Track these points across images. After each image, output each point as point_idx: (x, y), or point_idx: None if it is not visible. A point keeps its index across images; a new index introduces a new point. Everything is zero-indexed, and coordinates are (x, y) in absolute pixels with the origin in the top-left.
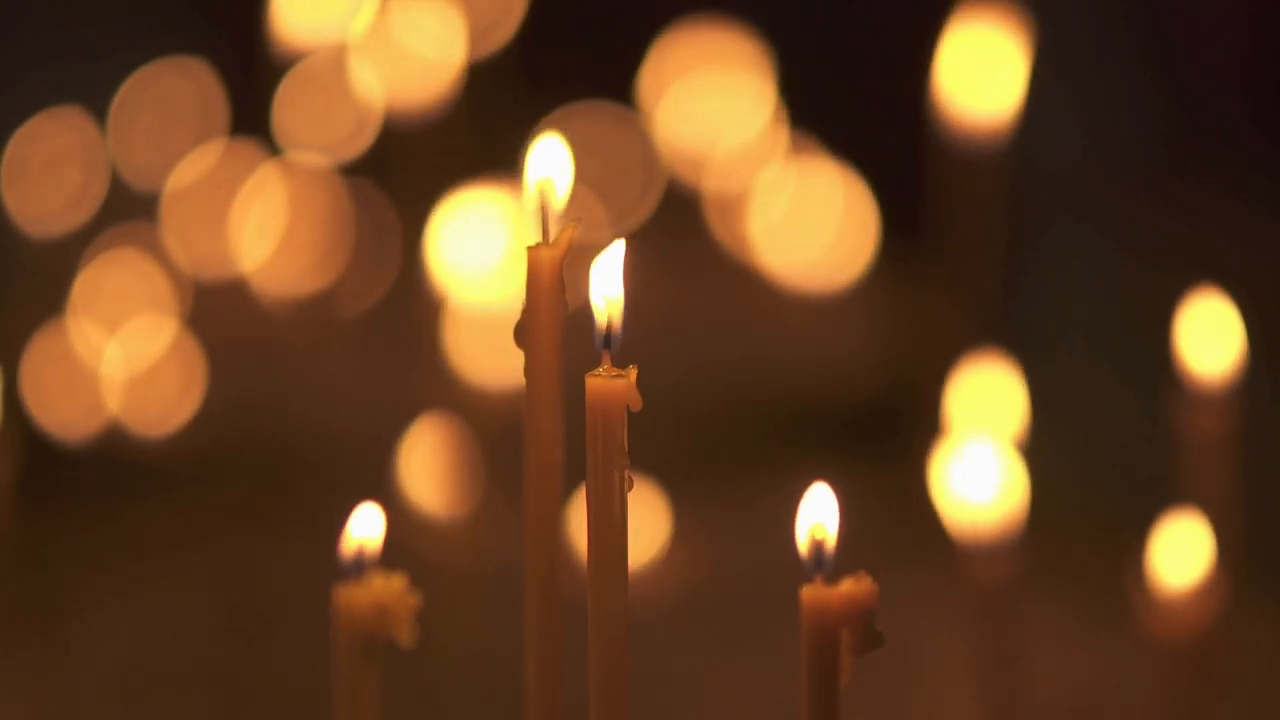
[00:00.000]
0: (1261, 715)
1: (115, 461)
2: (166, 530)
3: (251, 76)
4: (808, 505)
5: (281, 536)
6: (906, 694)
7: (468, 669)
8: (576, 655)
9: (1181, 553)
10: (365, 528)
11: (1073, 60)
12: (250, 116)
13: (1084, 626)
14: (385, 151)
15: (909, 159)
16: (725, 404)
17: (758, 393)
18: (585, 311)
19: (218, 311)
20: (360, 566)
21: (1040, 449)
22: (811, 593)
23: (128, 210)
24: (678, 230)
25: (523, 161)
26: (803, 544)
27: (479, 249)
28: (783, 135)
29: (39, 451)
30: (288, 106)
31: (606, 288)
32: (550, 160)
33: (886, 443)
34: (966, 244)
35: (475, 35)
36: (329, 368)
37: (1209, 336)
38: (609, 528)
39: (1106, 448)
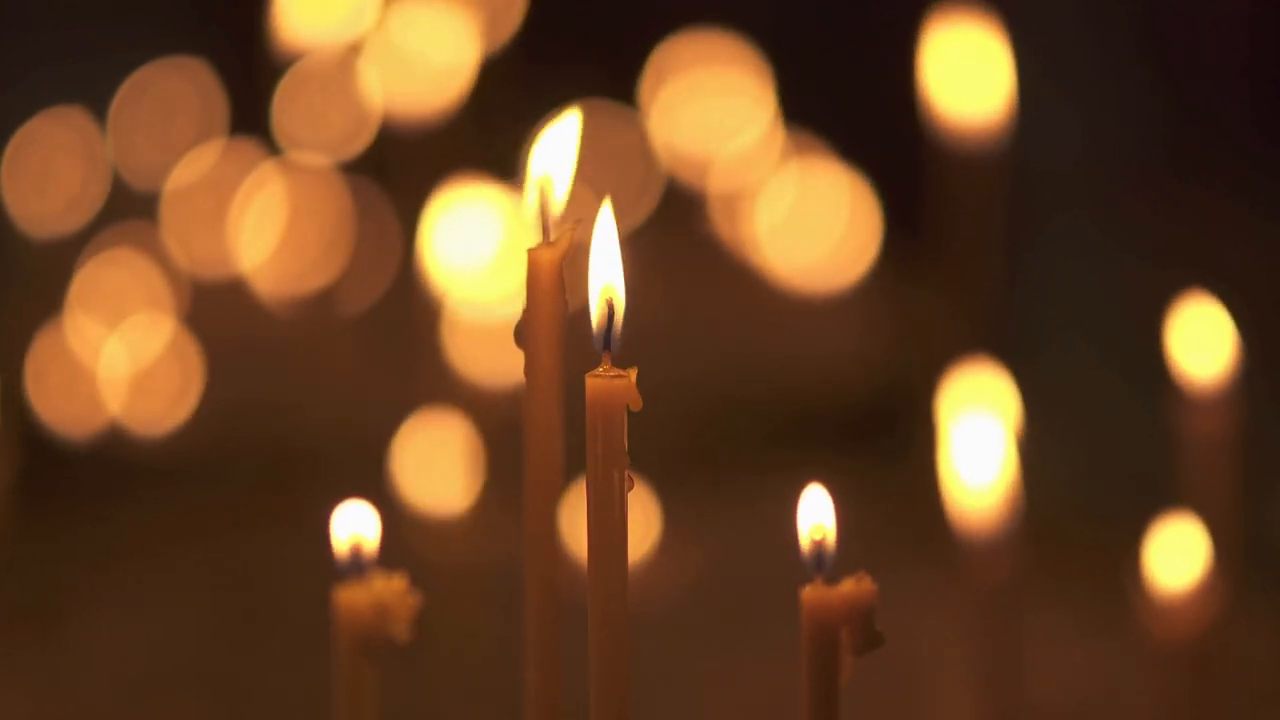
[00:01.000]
0: (1260, 716)
1: (115, 461)
2: (166, 530)
3: (251, 76)
4: (805, 507)
5: (281, 536)
6: (906, 694)
7: (468, 669)
8: (576, 655)
9: (1180, 554)
10: (353, 526)
11: (1072, 60)
12: (250, 116)
13: (1083, 627)
14: (384, 150)
15: (909, 159)
16: (725, 403)
17: (757, 392)
18: (585, 312)
19: (217, 311)
20: (360, 566)
21: (1039, 449)
22: (812, 593)
23: (127, 210)
24: (678, 230)
25: (523, 160)
26: (803, 544)
27: (479, 247)
28: (783, 136)
29: (38, 451)
30: (288, 106)
31: (606, 265)
32: (557, 149)
33: (886, 442)
34: (966, 244)
35: (476, 35)
36: (328, 367)
37: (1207, 337)
38: (609, 527)
39: (1105, 448)
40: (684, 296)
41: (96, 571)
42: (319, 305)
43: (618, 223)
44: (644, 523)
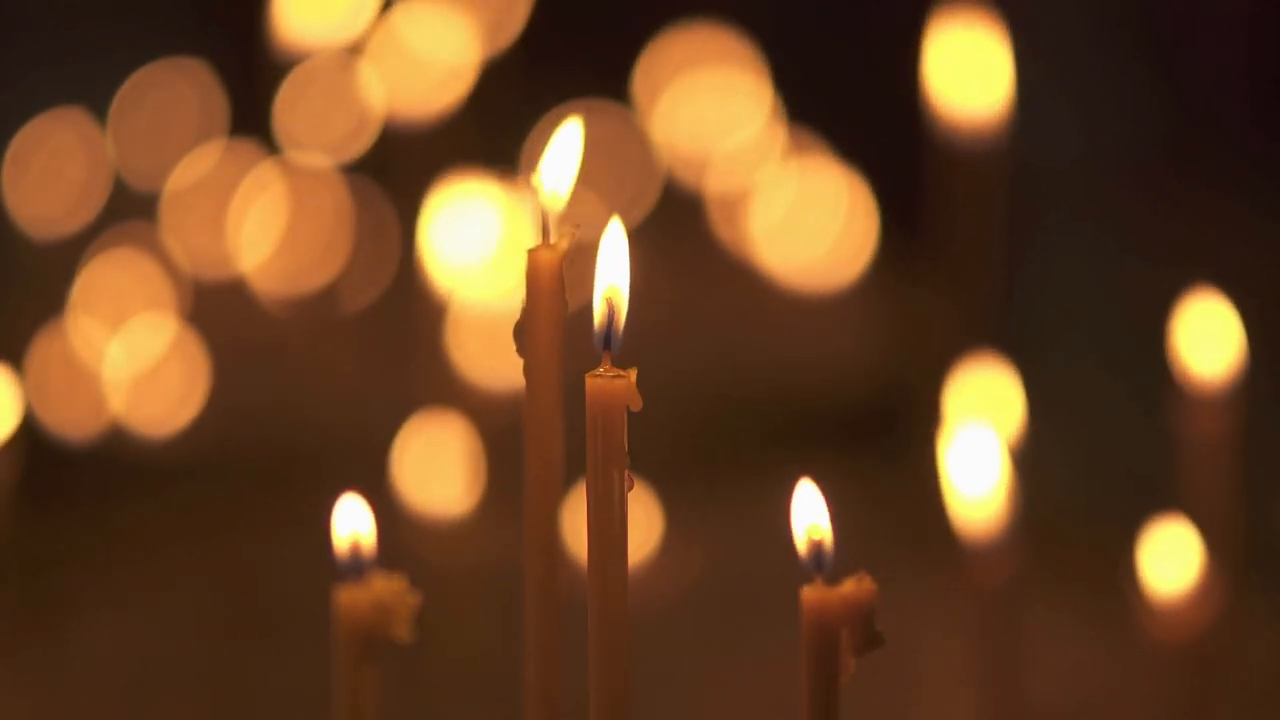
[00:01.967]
0: (1260, 716)
1: (116, 462)
2: (167, 530)
3: (251, 77)
4: (798, 506)
5: (282, 536)
6: (906, 694)
7: (468, 669)
8: (576, 655)
9: (1180, 554)
10: (352, 522)
11: (1072, 59)
12: (250, 116)
13: (1083, 627)
14: (385, 150)
15: (908, 158)
16: (724, 403)
17: (757, 392)
18: (585, 312)
19: (218, 311)
20: (360, 566)
21: (1038, 448)
22: (812, 593)
23: (128, 210)
24: (676, 230)
25: (522, 160)
26: (801, 545)
27: (478, 247)
28: (781, 134)
29: (40, 452)
30: (288, 107)
31: (611, 271)
32: (561, 158)
33: (885, 442)
34: (965, 243)
35: (476, 34)
36: (329, 368)
37: (1208, 337)
38: (609, 527)
39: (1105, 448)
40: (683, 296)
41: (97, 572)
42: (319, 305)
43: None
44: (644, 523)
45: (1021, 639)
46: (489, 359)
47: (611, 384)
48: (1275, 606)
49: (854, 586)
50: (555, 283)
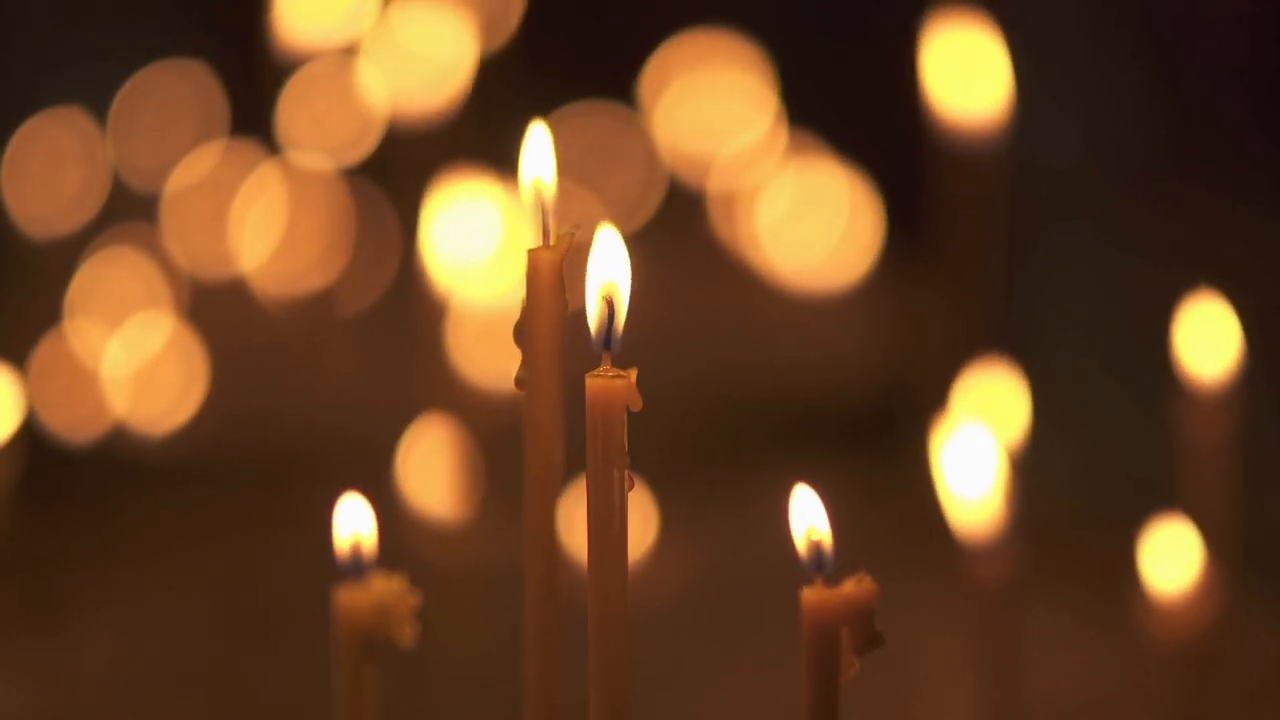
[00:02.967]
0: (1259, 716)
1: (116, 461)
2: (167, 530)
3: (251, 77)
4: (795, 509)
5: (282, 536)
6: (906, 694)
7: (468, 669)
8: (576, 655)
9: (1180, 554)
10: (354, 523)
11: (1072, 60)
12: (250, 117)
13: (1083, 627)
14: (385, 151)
15: (909, 159)
16: (725, 403)
17: (757, 392)
18: (585, 312)
19: (218, 312)
20: (361, 567)
21: (1039, 449)
22: (812, 593)
23: (128, 211)
24: (679, 230)
25: (520, 160)
26: (800, 546)
27: (479, 248)
28: (783, 135)
29: (40, 452)
30: (288, 107)
31: (607, 271)
32: (538, 155)
33: (886, 443)
34: (966, 244)
35: (477, 36)
36: (329, 368)
37: (1209, 338)
38: (609, 527)
39: (1105, 448)
40: (685, 296)
41: (97, 571)
42: (319, 306)
43: (617, 223)
44: (644, 523)
45: (1021, 639)
46: (489, 359)
47: (611, 384)
48: (1275, 607)
49: (854, 586)
50: (555, 284)
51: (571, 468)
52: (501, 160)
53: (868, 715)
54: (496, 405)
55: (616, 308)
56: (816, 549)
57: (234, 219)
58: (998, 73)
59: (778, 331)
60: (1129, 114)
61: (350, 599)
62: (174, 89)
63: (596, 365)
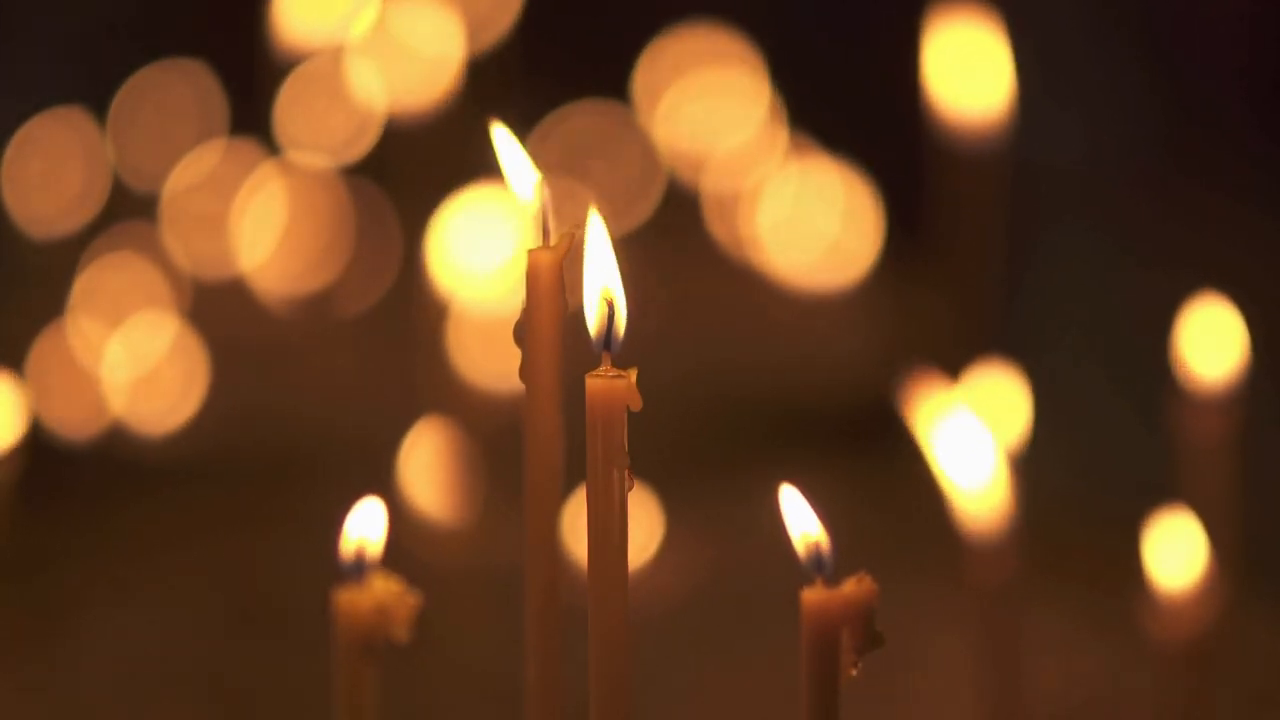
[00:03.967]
0: (1260, 716)
1: (116, 461)
2: (167, 530)
3: (251, 77)
4: (788, 512)
5: (282, 536)
6: (906, 694)
7: (468, 669)
8: (576, 656)
9: (1181, 554)
10: (365, 526)
11: (1072, 60)
12: (249, 117)
13: (1084, 627)
14: (384, 150)
15: (909, 158)
16: (725, 403)
17: (757, 392)
18: (585, 312)
19: (218, 311)
20: (361, 568)
21: (1040, 448)
22: (812, 594)
23: (128, 210)
24: (677, 230)
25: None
26: (799, 548)
27: (479, 248)
28: (782, 135)
29: (40, 451)
30: (289, 109)
31: (603, 272)
32: (511, 162)
33: (886, 443)
34: (966, 243)
35: (473, 34)
36: (329, 368)
37: (1210, 338)
38: (609, 528)
39: (1105, 447)
40: (684, 296)
41: (97, 571)
42: (319, 306)
43: (616, 222)
44: (644, 523)
45: (1021, 639)
46: (489, 359)
47: (611, 384)
48: (1275, 607)
49: (854, 587)
50: (555, 284)
51: (572, 468)
52: (496, 162)
53: (868, 715)
54: (497, 406)
55: (616, 308)
56: (815, 550)
57: (234, 218)
58: (998, 72)
59: (777, 331)
60: (1129, 114)
61: (350, 599)
62: (174, 88)
63: (596, 365)
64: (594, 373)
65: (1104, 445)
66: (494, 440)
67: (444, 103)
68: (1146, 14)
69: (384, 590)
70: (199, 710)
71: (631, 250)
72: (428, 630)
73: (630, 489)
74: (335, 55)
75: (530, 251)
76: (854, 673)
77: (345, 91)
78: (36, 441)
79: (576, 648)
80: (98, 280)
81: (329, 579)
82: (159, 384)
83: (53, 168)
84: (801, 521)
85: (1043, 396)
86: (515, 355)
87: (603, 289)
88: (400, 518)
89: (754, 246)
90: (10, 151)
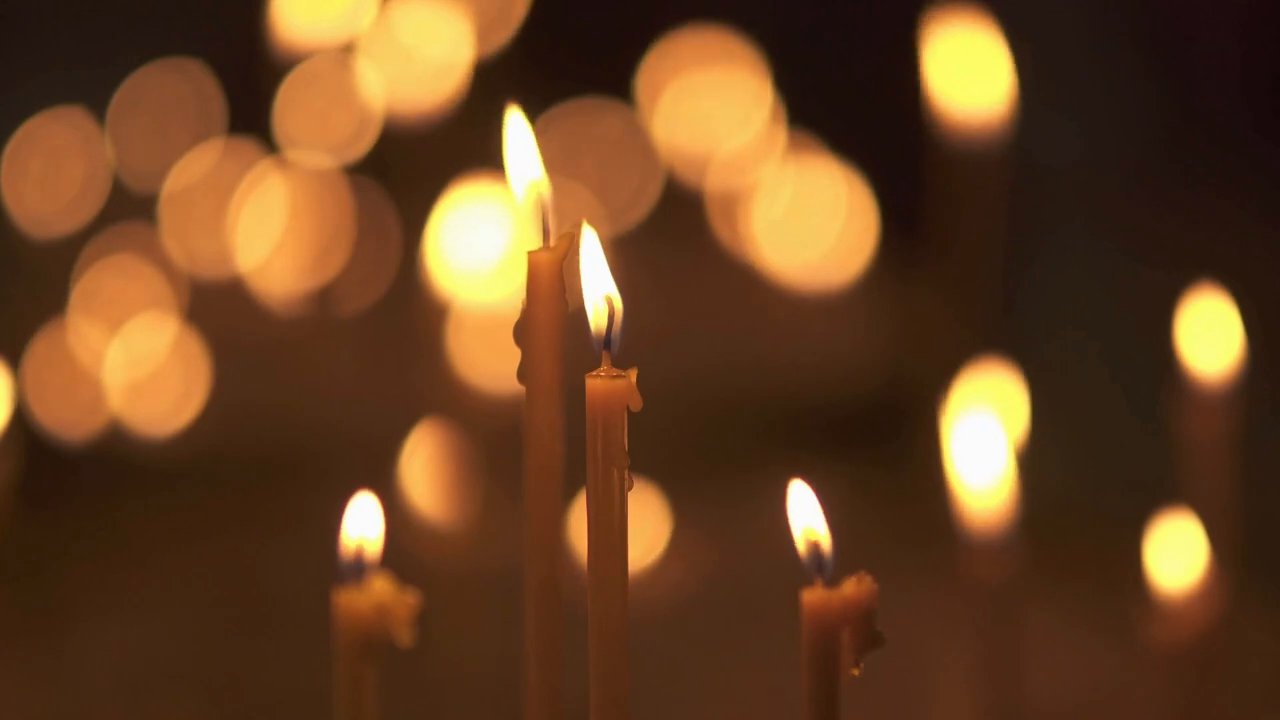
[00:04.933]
0: (1260, 716)
1: (115, 462)
2: (167, 531)
3: (250, 76)
4: (793, 507)
5: (282, 537)
6: (906, 694)
7: (468, 670)
8: (577, 657)
9: (1180, 553)
10: (363, 523)
11: (1072, 60)
12: (249, 116)
13: (1084, 627)
14: (385, 150)
15: (908, 158)
16: (724, 403)
17: (757, 392)
18: (585, 313)
19: (218, 311)
20: (360, 568)
21: (1039, 448)
22: (812, 594)
23: (127, 210)
24: (677, 229)
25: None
26: (799, 547)
27: (479, 248)
28: (781, 134)
29: (39, 452)
30: (289, 108)
31: (598, 283)
32: (523, 149)
33: (886, 442)
34: (966, 243)
35: (475, 33)
36: (329, 368)
37: (1209, 337)
38: (609, 528)
39: (1105, 446)
40: (684, 296)
41: (97, 572)
42: (319, 305)
43: (616, 222)
44: (644, 523)
45: (1022, 638)
46: (489, 360)
47: (611, 384)
48: (1276, 606)
49: (854, 587)
50: (555, 285)
51: (572, 468)
52: (500, 157)
53: (868, 715)
54: (497, 406)
55: (615, 308)
56: (815, 549)
57: (233, 218)
58: (998, 72)
59: (777, 331)
60: (1129, 114)
61: (350, 600)
62: (173, 88)
63: (596, 365)
64: (594, 373)
65: (1104, 444)
66: (494, 441)
67: (444, 102)
68: (1146, 14)
69: (384, 591)
70: (199, 710)
71: (631, 250)
72: (428, 630)
73: (630, 489)
74: (335, 54)
75: (530, 252)
76: (855, 672)
77: (345, 91)
78: (35, 442)
79: (577, 648)
80: (97, 280)
81: (329, 579)
82: (158, 384)
83: (52, 167)
84: (806, 518)
85: (1042, 395)
86: (515, 355)
87: (603, 289)
88: (400, 518)
89: (754, 246)
90: (10, 151)
